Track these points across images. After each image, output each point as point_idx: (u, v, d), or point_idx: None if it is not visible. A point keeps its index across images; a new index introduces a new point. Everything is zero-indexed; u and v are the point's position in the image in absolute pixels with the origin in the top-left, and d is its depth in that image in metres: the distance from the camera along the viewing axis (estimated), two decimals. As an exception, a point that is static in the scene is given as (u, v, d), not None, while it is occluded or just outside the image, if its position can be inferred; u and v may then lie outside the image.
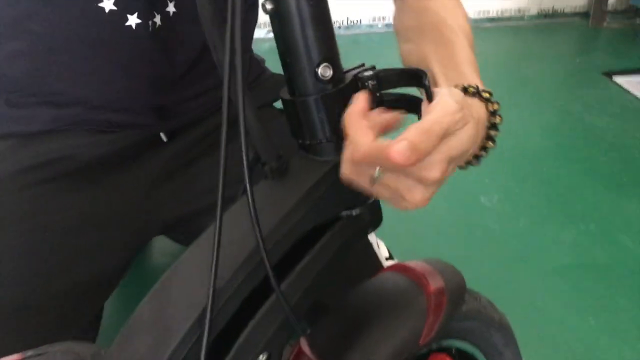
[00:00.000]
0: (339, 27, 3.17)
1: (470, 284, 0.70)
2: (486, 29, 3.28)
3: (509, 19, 3.37)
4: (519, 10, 3.37)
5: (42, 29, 0.73)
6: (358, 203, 0.56)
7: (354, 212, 0.56)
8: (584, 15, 3.39)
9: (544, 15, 3.42)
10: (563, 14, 3.42)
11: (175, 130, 0.85)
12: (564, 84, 2.64)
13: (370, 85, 0.50)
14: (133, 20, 0.73)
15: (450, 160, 0.47)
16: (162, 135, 0.85)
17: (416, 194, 0.48)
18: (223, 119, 0.43)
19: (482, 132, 0.56)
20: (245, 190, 0.43)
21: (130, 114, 0.80)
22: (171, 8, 0.76)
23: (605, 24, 3.24)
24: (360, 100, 0.49)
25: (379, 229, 0.61)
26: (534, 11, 3.39)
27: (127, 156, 0.82)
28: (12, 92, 0.78)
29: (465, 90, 0.57)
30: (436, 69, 0.64)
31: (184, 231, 0.92)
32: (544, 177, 1.93)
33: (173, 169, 0.85)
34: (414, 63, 0.68)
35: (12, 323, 0.68)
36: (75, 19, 0.72)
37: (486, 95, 0.57)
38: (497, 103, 0.57)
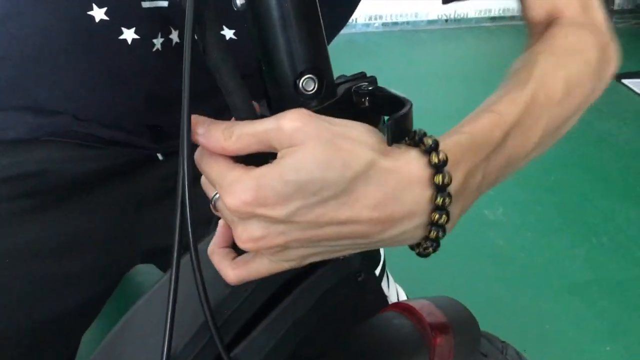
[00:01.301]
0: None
1: (473, 305, 0.63)
2: (487, 29, 3.29)
3: (512, 18, 3.37)
4: (522, 9, 3.29)
5: (24, 32, 0.68)
6: None
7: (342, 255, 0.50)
8: (590, 14, 3.32)
9: (548, 14, 3.34)
10: (568, 13, 3.35)
11: (172, 151, 0.78)
12: (571, 87, 2.57)
13: (364, 103, 0.43)
14: (129, 34, 0.67)
15: (261, 188, 0.37)
16: (158, 154, 0.79)
17: (236, 229, 0.39)
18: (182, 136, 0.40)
19: (408, 197, 0.39)
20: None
21: (122, 131, 0.74)
22: None
23: (611, 23, 3.16)
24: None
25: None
26: (537, 10, 3.31)
27: (114, 173, 0.76)
28: None
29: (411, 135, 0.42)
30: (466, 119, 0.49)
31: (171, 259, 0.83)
32: (553, 186, 1.91)
33: (165, 190, 0.79)
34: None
35: None
36: (62, 24, 0.67)
37: (427, 142, 0.39)
38: (444, 154, 0.39)
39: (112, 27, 0.66)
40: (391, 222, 0.39)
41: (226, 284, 0.43)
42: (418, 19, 3.23)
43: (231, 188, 0.37)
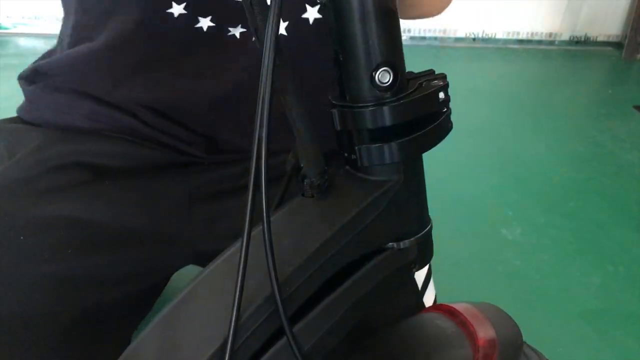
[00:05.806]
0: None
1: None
2: (514, 51, 3.28)
3: (539, 42, 3.36)
4: (550, 35, 3.35)
5: (117, 27, 0.69)
6: (408, 235, 0.51)
7: (402, 245, 0.50)
8: (617, 45, 3.38)
9: (576, 41, 3.39)
10: (595, 42, 3.39)
11: (222, 162, 0.79)
12: (594, 115, 2.61)
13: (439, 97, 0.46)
14: (205, 23, 0.68)
15: None
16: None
17: None
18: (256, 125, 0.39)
19: None
20: (280, 203, 0.40)
21: (177, 140, 0.75)
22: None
23: (639, 56, 3.22)
24: None
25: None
26: (565, 36, 3.38)
27: (168, 170, 0.76)
28: (56, 75, 0.73)
29: None
30: None
31: None
32: (571, 211, 1.89)
33: (217, 192, 0.78)
34: None
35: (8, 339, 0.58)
36: (139, 30, 0.68)
37: None
38: None
39: (190, 18, 0.66)
40: None
41: (290, 262, 0.43)
42: (446, 35, 3.24)
43: None
